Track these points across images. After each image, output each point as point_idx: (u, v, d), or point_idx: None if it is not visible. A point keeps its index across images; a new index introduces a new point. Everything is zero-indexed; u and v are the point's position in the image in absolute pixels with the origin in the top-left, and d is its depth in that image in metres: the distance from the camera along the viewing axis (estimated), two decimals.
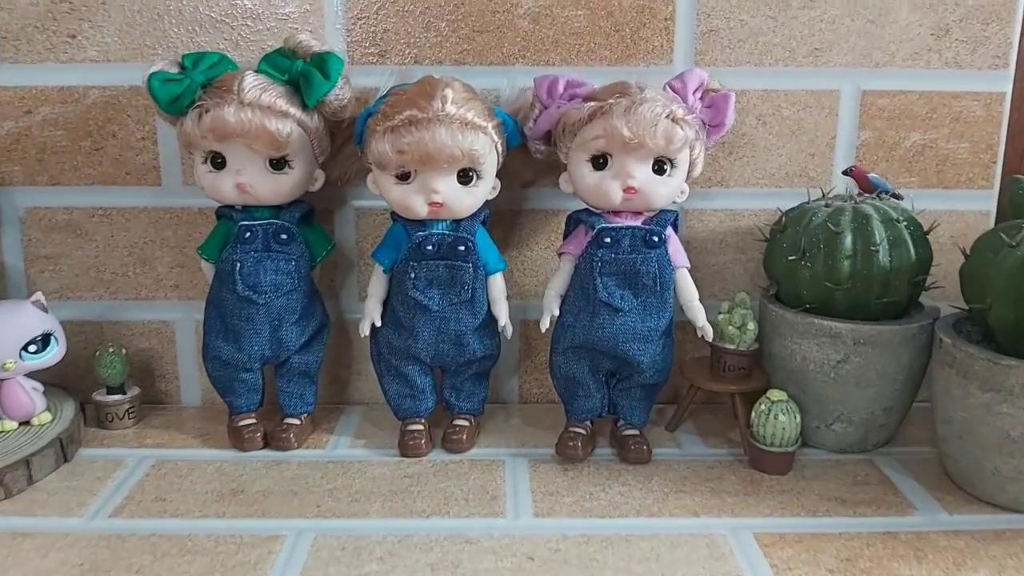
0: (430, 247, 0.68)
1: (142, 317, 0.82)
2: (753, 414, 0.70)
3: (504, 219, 0.79)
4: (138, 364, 0.82)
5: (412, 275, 0.69)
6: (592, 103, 0.67)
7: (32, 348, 0.70)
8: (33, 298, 0.71)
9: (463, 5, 0.75)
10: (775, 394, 0.69)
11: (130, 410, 0.78)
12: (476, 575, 0.56)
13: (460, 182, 0.67)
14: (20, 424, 0.71)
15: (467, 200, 0.68)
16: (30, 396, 0.71)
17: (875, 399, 0.70)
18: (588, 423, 0.74)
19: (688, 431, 0.78)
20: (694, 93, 0.70)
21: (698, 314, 0.71)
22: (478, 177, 0.68)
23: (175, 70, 0.70)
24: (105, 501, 0.65)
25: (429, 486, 0.68)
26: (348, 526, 0.62)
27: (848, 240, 0.68)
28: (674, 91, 0.70)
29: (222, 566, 0.57)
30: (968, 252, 0.66)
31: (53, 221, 0.80)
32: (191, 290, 0.81)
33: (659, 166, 0.68)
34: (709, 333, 0.71)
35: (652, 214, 0.70)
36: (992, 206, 0.82)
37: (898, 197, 0.74)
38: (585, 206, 0.71)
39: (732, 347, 0.73)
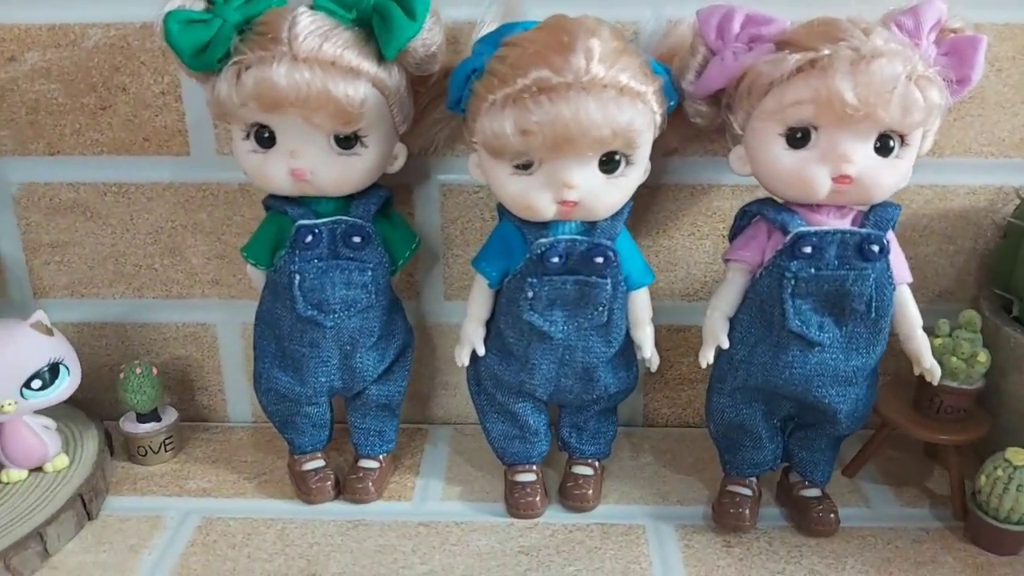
0: (556, 258, 0.50)
1: (175, 319, 0.66)
2: (983, 478, 0.52)
3: (637, 195, 0.60)
4: (174, 375, 0.67)
5: (530, 294, 0.51)
6: (797, 53, 0.46)
7: (36, 384, 0.54)
8: (33, 319, 0.54)
9: None
10: (1018, 457, 0.51)
11: (167, 441, 0.62)
12: None
13: (603, 171, 0.48)
14: (30, 472, 0.56)
15: (612, 196, 0.49)
16: (40, 438, 0.56)
17: None
18: (754, 480, 0.56)
19: (873, 478, 0.61)
20: (928, 33, 0.49)
21: (923, 349, 0.51)
22: (627, 163, 0.48)
23: (200, 6, 0.50)
24: None
25: (553, 571, 0.52)
26: None
27: None
28: (901, 30, 0.48)
29: None
30: None
31: (56, 200, 0.62)
32: (234, 286, 0.64)
33: (884, 144, 0.48)
34: (937, 375, 0.52)
35: (865, 210, 0.50)
36: None
37: None
38: (768, 196, 0.52)
39: (954, 384, 0.54)
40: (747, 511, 0.54)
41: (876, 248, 0.49)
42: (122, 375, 0.61)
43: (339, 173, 0.50)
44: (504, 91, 0.45)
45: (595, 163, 0.47)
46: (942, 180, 0.60)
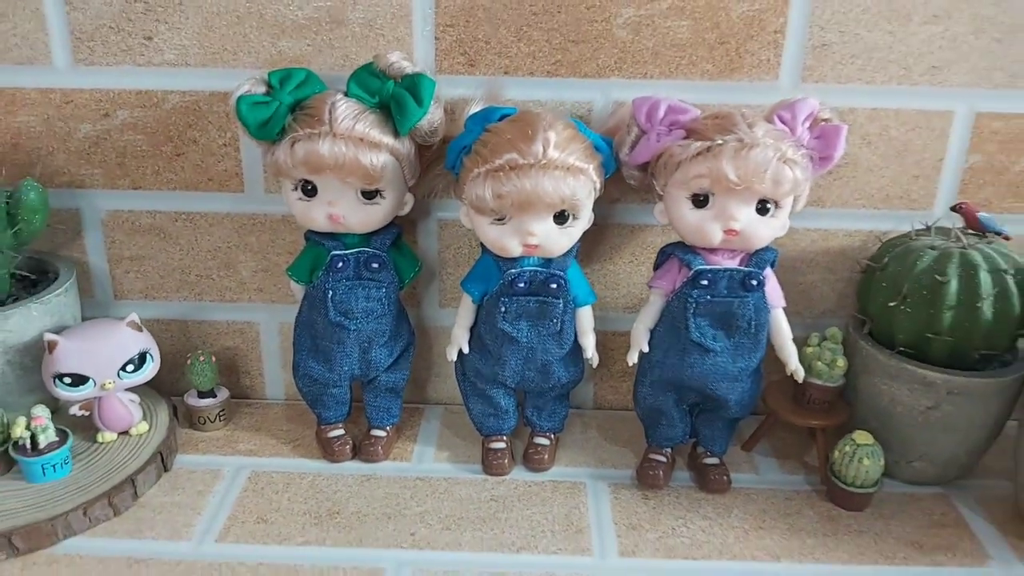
0: (522, 284, 0.68)
1: (227, 318, 0.83)
2: (836, 453, 0.71)
3: (589, 233, 0.77)
4: (224, 361, 0.84)
5: (502, 309, 0.69)
6: (698, 143, 0.64)
7: (129, 368, 0.71)
8: (128, 319, 0.72)
9: (559, 13, 0.71)
10: (861, 437, 0.70)
11: (221, 413, 0.80)
12: None
13: (556, 223, 0.66)
14: (119, 435, 0.74)
15: (562, 241, 0.66)
16: (128, 409, 0.73)
17: (960, 443, 0.70)
18: (668, 450, 0.75)
19: (764, 452, 0.79)
20: (803, 123, 0.66)
21: (791, 356, 0.70)
22: (574, 218, 0.66)
23: (262, 89, 0.67)
24: (209, 523, 0.68)
25: (515, 513, 0.70)
26: (442, 559, 0.65)
27: (953, 290, 0.66)
28: (782, 121, 0.66)
29: None
30: None
31: (137, 224, 0.79)
32: (275, 293, 0.82)
33: (763, 207, 0.65)
34: (800, 375, 0.70)
35: (750, 254, 0.68)
36: None
37: (1007, 238, 0.71)
38: (679, 241, 0.70)
39: (819, 382, 0.73)
40: (661, 473, 0.72)
41: (755, 282, 0.67)
42: (188, 361, 0.78)
43: (364, 217, 0.68)
44: (485, 167, 0.62)
45: (550, 218, 0.65)
46: (825, 225, 0.78)
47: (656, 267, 0.72)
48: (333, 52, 0.73)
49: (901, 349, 0.70)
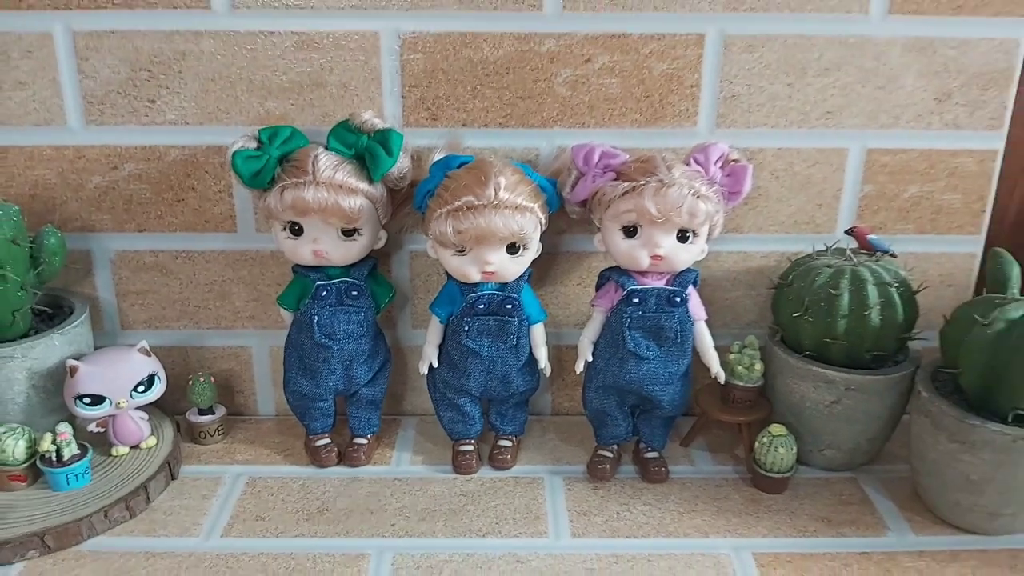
0: (482, 305, 0.79)
1: (223, 343, 0.93)
2: (756, 443, 0.82)
3: (541, 261, 0.88)
4: (220, 381, 0.94)
5: (466, 328, 0.80)
6: (625, 183, 0.76)
7: (140, 388, 0.82)
8: (139, 346, 0.82)
9: (508, 74, 0.83)
10: (776, 429, 0.81)
11: (219, 428, 0.90)
12: None
13: (508, 253, 0.77)
14: (131, 448, 0.84)
15: (514, 267, 0.78)
16: (138, 425, 0.83)
17: (861, 432, 0.82)
18: (614, 447, 0.86)
19: (700, 446, 0.91)
20: (715, 163, 0.79)
21: (713, 361, 0.82)
22: (524, 248, 0.78)
23: (253, 144, 0.78)
24: (214, 521, 0.78)
25: (482, 505, 0.81)
26: (420, 545, 0.75)
27: (845, 301, 0.78)
28: (697, 163, 0.78)
29: None
30: (948, 317, 0.76)
31: (141, 263, 0.90)
32: (265, 320, 0.92)
33: (682, 235, 0.77)
34: (722, 377, 0.82)
35: (674, 275, 0.80)
36: (979, 249, 0.91)
37: (893, 255, 0.83)
38: (615, 265, 0.81)
39: (741, 383, 0.84)
40: (608, 467, 0.84)
41: (679, 299, 0.78)
42: (189, 382, 0.88)
43: (344, 252, 0.79)
44: (447, 208, 0.74)
45: (503, 249, 0.77)
46: (744, 248, 0.91)
47: (597, 288, 0.84)
48: (314, 110, 0.84)
49: (807, 353, 0.82)
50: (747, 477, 0.85)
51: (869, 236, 0.84)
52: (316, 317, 0.80)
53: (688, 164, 0.78)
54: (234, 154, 0.77)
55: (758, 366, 0.84)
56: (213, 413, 0.90)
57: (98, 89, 0.83)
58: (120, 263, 0.90)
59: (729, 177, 0.79)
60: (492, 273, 0.77)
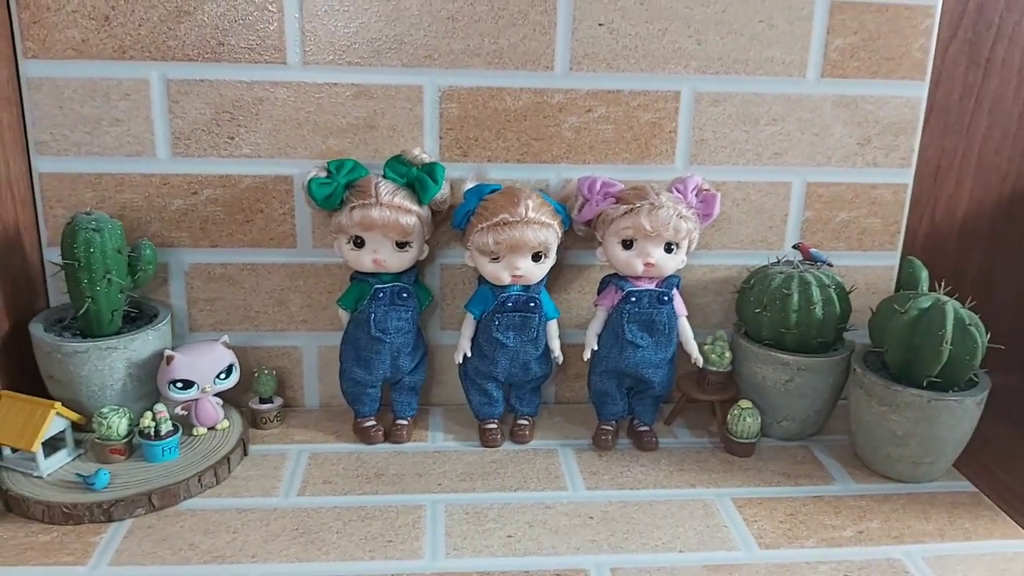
0: (510, 304, 0.97)
1: (277, 344, 1.09)
2: (728, 416, 1.02)
3: (550, 270, 1.08)
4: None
5: (496, 322, 0.98)
6: (624, 206, 0.96)
7: (222, 376, 0.97)
8: (221, 340, 0.97)
9: (525, 120, 1.03)
10: (744, 403, 1.01)
11: (277, 415, 1.05)
12: (558, 529, 0.87)
13: (533, 260, 0.96)
14: (208, 430, 0.98)
15: (538, 272, 0.97)
16: (216, 409, 0.98)
17: (810, 405, 1.03)
18: (614, 422, 1.04)
19: (680, 424, 1.10)
20: (692, 192, 1.00)
21: (693, 349, 1.02)
22: (545, 257, 0.97)
23: (324, 174, 0.96)
24: (289, 484, 0.93)
25: (510, 469, 0.98)
26: (464, 499, 0.91)
27: (795, 299, 1.00)
28: (678, 191, 0.99)
29: (392, 526, 0.86)
30: (874, 310, 0.98)
31: (211, 274, 1.05)
32: (316, 323, 1.08)
33: (668, 247, 0.98)
34: (700, 361, 1.02)
35: (662, 279, 1.00)
36: (895, 262, 1.14)
37: (830, 265, 1.05)
38: (614, 272, 1.01)
39: (714, 368, 1.04)
40: (609, 439, 1.02)
41: (666, 298, 0.98)
42: (255, 375, 1.04)
43: (398, 261, 0.97)
44: (486, 223, 0.93)
45: (529, 257, 0.96)
46: (712, 262, 1.11)
47: (599, 291, 1.03)
48: (367, 147, 1.02)
49: (766, 342, 1.02)
50: (720, 445, 1.04)
51: (811, 250, 1.06)
52: (373, 315, 0.97)
53: (671, 191, 0.99)
54: (310, 181, 0.94)
55: (727, 354, 1.04)
56: (272, 402, 1.05)
57: (185, 127, 1.00)
58: (193, 274, 1.05)
59: (702, 203, 1.00)
60: (520, 276, 0.96)
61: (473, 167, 1.03)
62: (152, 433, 0.91)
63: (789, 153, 1.08)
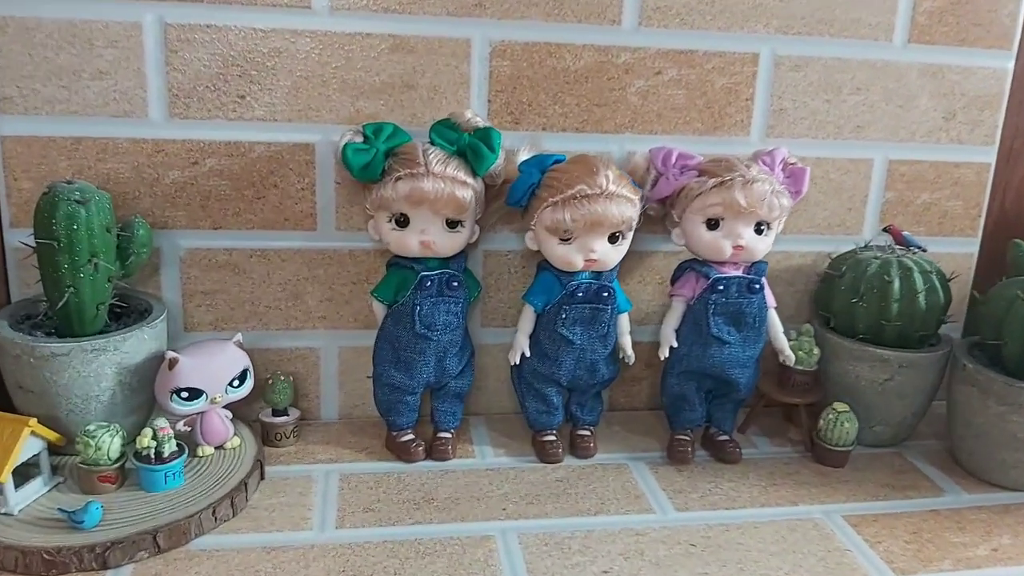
0: (580, 293, 0.83)
1: (291, 345, 0.92)
2: (822, 421, 0.89)
3: None
4: None
5: (563, 315, 0.83)
6: (713, 179, 0.83)
7: (235, 383, 0.79)
8: (235, 339, 0.80)
9: (586, 83, 0.89)
10: (840, 406, 0.89)
11: (294, 430, 0.88)
12: (659, 561, 0.72)
13: (610, 242, 0.82)
14: (216, 449, 0.81)
15: (614, 255, 0.83)
16: (225, 424, 0.81)
17: (908, 407, 0.91)
18: (690, 431, 0.91)
19: (756, 433, 0.97)
20: (779, 165, 0.87)
21: (784, 345, 0.89)
22: (622, 237, 0.83)
23: (359, 139, 0.80)
24: (323, 514, 0.76)
25: (581, 488, 0.83)
26: (538, 525, 0.76)
27: (896, 287, 0.88)
28: (763, 164, 0.87)
29: (459, 564, 0.70)
30: (981, 298, 0.87)
31: (213, 261, 0.88)
32: (337, 320, 0.92)
33: (758, 228, 0.85)
34: (792, 360, 0.89)
35: (749, 265, 0.87)
36: (975, 249, 1.04)
37: (923, 250, 0.94)
38: (694, 257, 0.88)
39: (801, 368, 0.92)
40: (690, 450, 0.88)
41: (757, 286, 0.86)
42: (269, 382, 0.86)
43: (450, 243, 0.81)
44: (560, 196, 0.78)
45: (606, 238, 0.81)
46: (786, 248, 0.99)
47: (674, 280, 0.90)
48: (403, 111, 0.87)
49: (861, 336, 0.90)
50: (807, 455, 0.92)
51: (904, 233, 0.95)
52: (418, 307, 0.82)
53: (758, 164, 0.86)
54: (345, 146, 0.78)
55: (816, 351, 0.92)
56: (287, 414, 0.88)
57: (186, 83, 0.82)
58: (190, 261, 0.87)
59: (789, 178, 0.88)
60: (595, 260, 0.81)
61: (526, 136, 0.88)
62: (152, 455, 0.73)
63: (872, 126, 0.97)
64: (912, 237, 0.95)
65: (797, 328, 0.95)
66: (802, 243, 1.00)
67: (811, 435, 0.92)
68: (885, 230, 0.96)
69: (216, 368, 0.78)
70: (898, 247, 0.94)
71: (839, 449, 0.89)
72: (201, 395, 0.77)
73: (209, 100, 0.83)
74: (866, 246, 0.96)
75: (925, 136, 0.99)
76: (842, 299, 0.91)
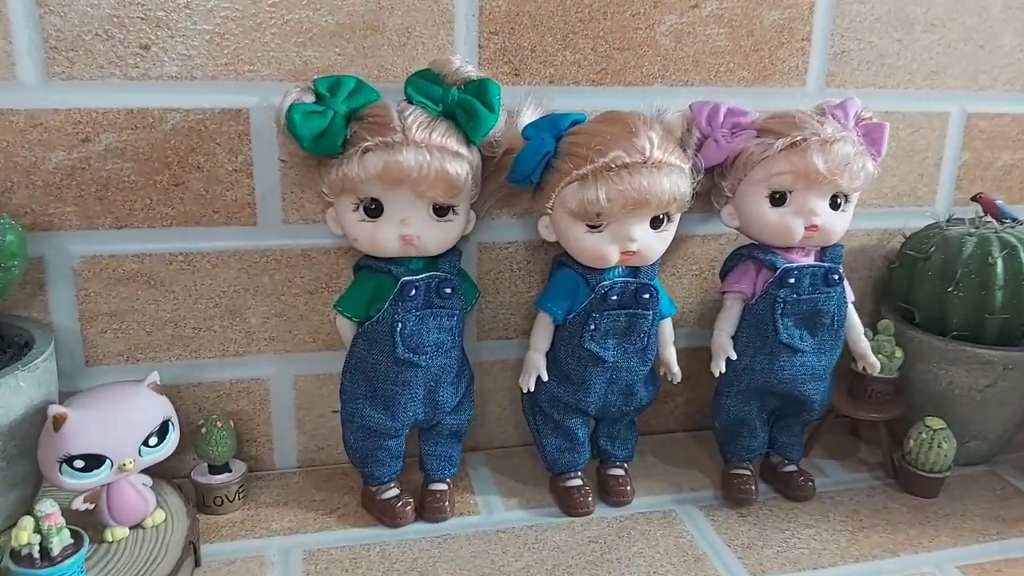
0: (615, 296, 0.63)
1: (230, 376, 0.70)
2: (912, 441, 0.71)
3: None
4: None
5: (592, 326, 0.63)
6: (781, 140, 0.63)
7: (152, 441, 0.58)
8: (149, 380, 0.58)
9: (605, 20, 0.69)
10: (935, 422, 0.71)
11: (240, 490, 0.67)
12: None
13: (652, 227, 0.62)
14: (131, 530, 0.59)
15: (659, 245, 0.63)
16: (142, 495, 0.59)
17: (1011, 417, 0.74)
18: (749, 463, 0.72)
19: (818, 455, 0.79)
20: (852, 120, 0.68)
21: (867, 350, 0.70)
22: (668, 220, 0.63)
23: (310, 98, 0.59)
24: None
25: (622, 551, 0.64)
26: None
27: (1000, 270, 0.70)
28: (834, 118, 0.67)
29: None
30: None
31: (119, 271, 0.65)
32: (289, 342, 0.70)
33: (834, 202, 0.66)
34: (877, 368, 0.71)
35: (820, 250, 0.68)
36: None
37: (1021, 223, 0.76)
38: (750, 242, 0.68)
39: (882, 375, 0.73)
40: (752, 487, 0.69)
41: (836, 277, 0.67)
42: (202, 430, 0.65)
43: (440, 236, 0.61)
44: (590, 167, 0.58)
45: (648, 222, 0.61)
46: None
47: (725, 273, 0.70)
48: (366, 62, 0.65)
49: (955, 333, 0.72)
50: (889, 482, 0.74)
51: (998, 202, 0.77)
52: (400, 325, 0.61)
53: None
54: (291, 107, 0.57)
55: (898, 354, 0.74)
56: (229, 471, 0.67)
57: (67, 30, 0.60)
58: (87, 273, 0.65)
59: (865, 137, 0.69)
60: (634, 253, 0.61)
61: (528, 92, 0.67)
62: (36, 555, 0.51)
63: (948, 71, 0.79)
64: (1007, 207, 0.77)
65: (872, 326, 0.76)
66: (864, 218, 0.81)
67: (893, 457, 0.74)
68: (975, 198, 0.78)
69: (123, 424, 0.56)
70: (988, 219, 0.76)
71: (933, 476, 0.71)
72: (104, 462, 0.55)
73: (100, 53, 0.61)
74: (950, 220, 0.77)
75: (1008, 83, 0.81)
76: (930, 287, 0.73)
